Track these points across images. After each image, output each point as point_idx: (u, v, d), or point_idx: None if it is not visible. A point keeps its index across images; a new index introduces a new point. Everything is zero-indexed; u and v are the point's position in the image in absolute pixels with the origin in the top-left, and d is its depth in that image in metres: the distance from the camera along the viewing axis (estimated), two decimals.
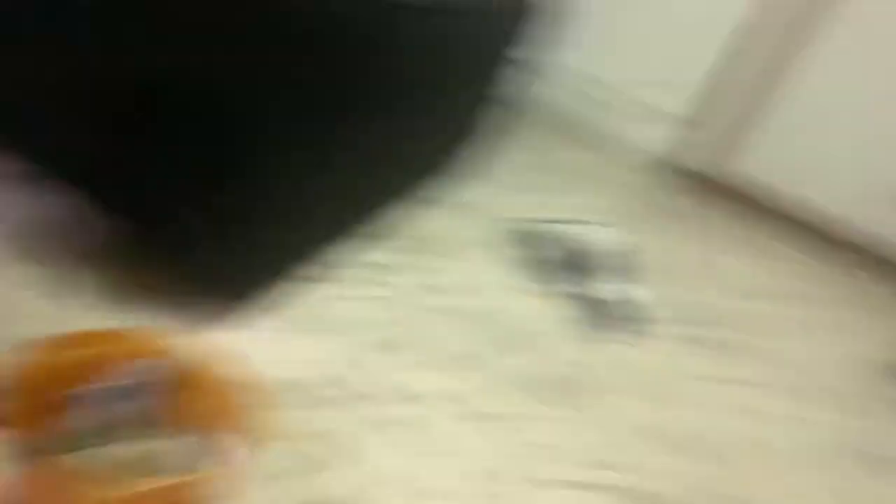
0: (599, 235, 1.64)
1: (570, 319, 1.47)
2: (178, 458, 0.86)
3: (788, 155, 2.14)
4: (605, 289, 1.51)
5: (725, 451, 1.27)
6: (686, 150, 2.26)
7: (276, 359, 1.14)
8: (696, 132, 2.23)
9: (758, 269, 1.93)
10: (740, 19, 2.07)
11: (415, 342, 1.28)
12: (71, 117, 1.15)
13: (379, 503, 0.99)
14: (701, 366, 1.46)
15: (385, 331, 1.29)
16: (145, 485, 0.78)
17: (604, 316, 1.47)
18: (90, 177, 1.18)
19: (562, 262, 1.57)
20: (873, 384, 1.59)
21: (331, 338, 1.24)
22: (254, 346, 1.14)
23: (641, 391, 1.34)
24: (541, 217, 1.71)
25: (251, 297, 1.23)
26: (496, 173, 1.89)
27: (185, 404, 0.87)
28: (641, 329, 1.48)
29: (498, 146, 1.91)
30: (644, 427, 1.27)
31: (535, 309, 1.48)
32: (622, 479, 1.15)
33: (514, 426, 1.19)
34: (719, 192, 2.22)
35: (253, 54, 0.96)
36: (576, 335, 1.43)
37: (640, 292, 1.54)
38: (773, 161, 2.17)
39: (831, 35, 1.98)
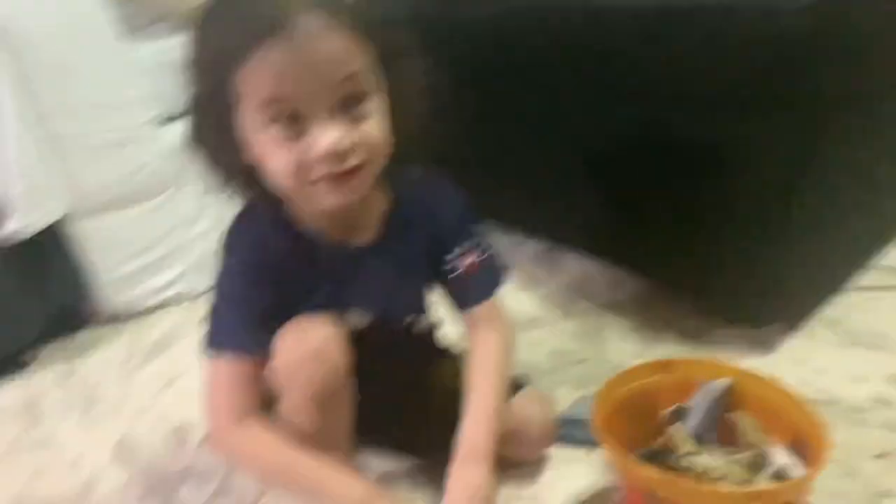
0: None
1: None
2: (741, 470, 0.90)
3: None
4: None
5: None
6: None
7: (817, 375, 1.19)
8: None
9: None
10: None
11: None
12: (584, 198, 1.43)
13: None
14: None
15: None
16: (752, 487, 0.88)
17: None
18: (602, 243, 1.48)
19: None
20: None
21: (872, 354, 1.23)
22: (791, 365, 1.22)
23: None
24: None
25: (776, 319, 1.31)
26: None
27: (742, 421, 0.96)
28: None
29: None
30: None
31: None
32: None
33: None
34: None
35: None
36: None
37: None
38: None
39: None
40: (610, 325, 1.45)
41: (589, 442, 1.15)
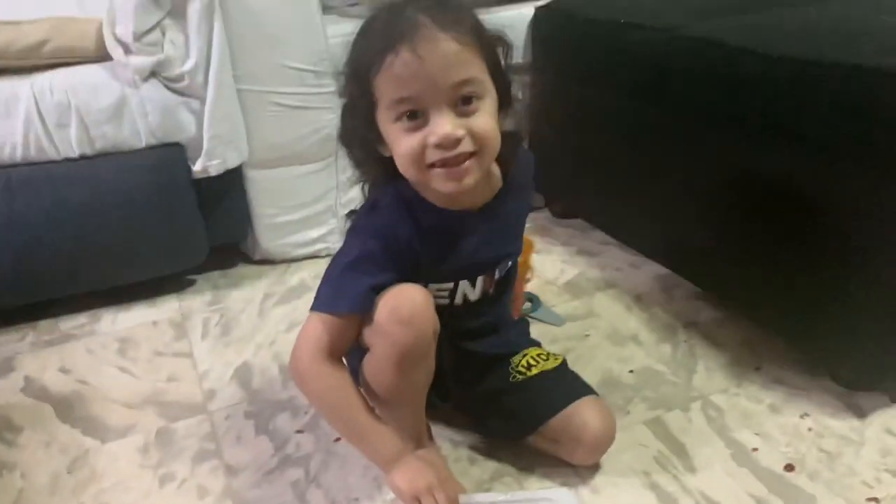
0: None
1: None
2: None
3: None
4: None
5: None
6: None
7: None
8: None
9: None
10: None
11: None
12: (704, 232, 1.48)
13: None
14: None
15: None
16: None
17: None
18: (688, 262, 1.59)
19: None
20: None
21: None
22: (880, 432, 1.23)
23: None
24: None
25: (877, 387, 1.30)
26: None
27: None
28: None
29: None
30: None
31: None
32: None
33: None
34: None
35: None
36: None
37: None
38: None
39: None
40: (705, 356, 1.46)
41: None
